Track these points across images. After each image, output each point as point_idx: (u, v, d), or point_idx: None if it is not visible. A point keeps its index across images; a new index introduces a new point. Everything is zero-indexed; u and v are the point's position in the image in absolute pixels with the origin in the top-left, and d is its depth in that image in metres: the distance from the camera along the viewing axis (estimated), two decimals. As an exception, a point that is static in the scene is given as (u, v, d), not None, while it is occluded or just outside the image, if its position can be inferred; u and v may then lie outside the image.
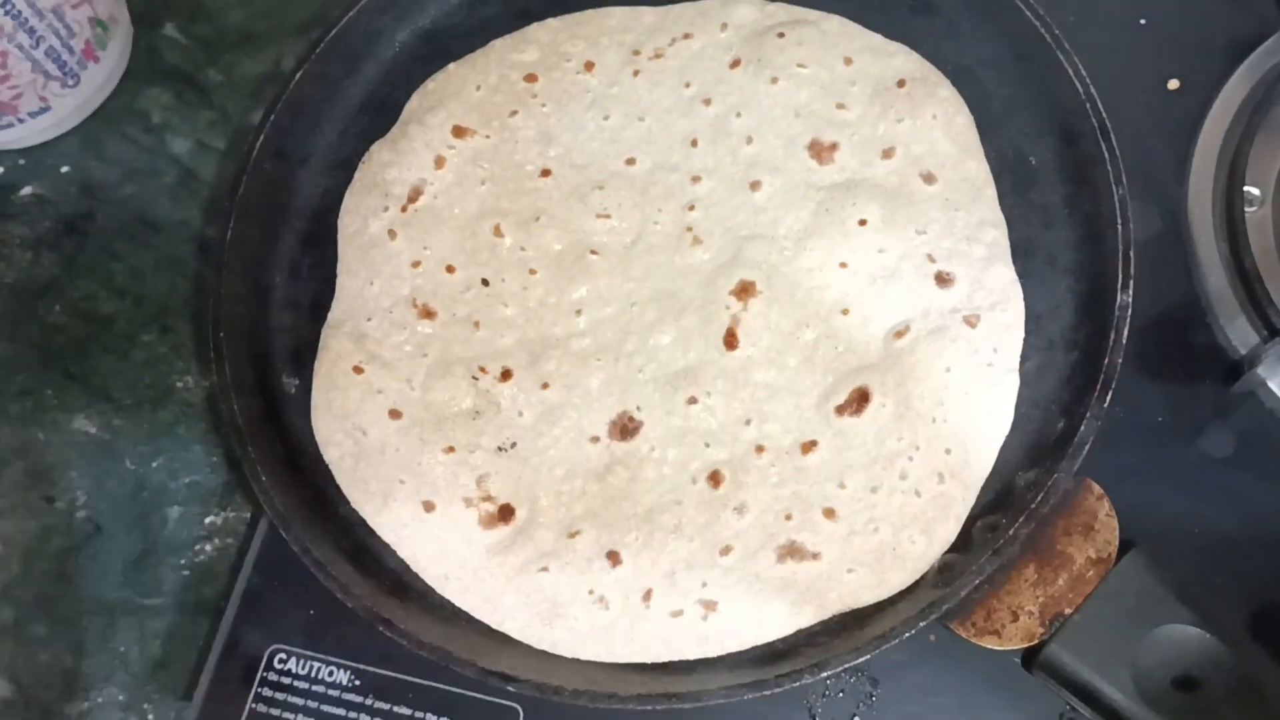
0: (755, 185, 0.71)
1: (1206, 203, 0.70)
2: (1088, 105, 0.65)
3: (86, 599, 0.72)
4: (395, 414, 0.68)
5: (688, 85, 0.74)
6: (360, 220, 0.73)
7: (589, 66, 0.76)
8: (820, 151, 0.71)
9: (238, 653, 0.67)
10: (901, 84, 0.71)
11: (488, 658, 0.60)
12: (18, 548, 0.74)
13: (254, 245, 0.71)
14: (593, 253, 0.71)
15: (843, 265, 0.68)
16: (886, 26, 0.74)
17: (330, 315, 0.71)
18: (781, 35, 0.73)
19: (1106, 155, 0.64)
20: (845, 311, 0.68)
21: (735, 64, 0.74)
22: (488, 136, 0.75)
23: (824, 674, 0.57)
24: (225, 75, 0.85)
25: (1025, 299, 0.67)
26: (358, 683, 0.65)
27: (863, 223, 0.68)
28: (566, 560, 0.64)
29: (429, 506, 0.66)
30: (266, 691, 0.66)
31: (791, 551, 0.63)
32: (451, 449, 0.67)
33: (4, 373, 0.78)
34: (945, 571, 0.60)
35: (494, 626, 0.64)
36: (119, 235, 0.81)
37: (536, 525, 0.66)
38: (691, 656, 0.63)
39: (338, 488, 0.67)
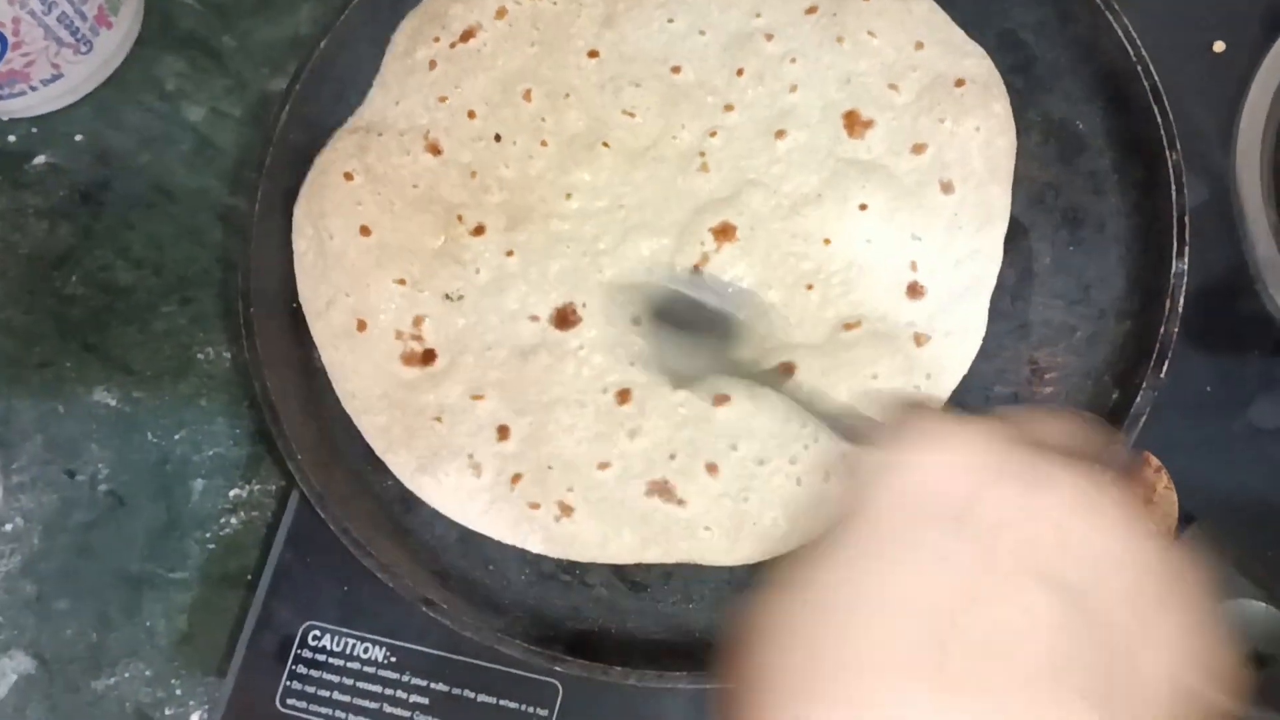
0: (780, 134, 0.70)
1: (1255, 169, 0.68)
2: (1139, 68, 0.64)
3: (110, 573, 0.72)
4: (365, 230, 0.70)
5: (758, 15, 0.73)
6: (410, 42, 0.74)
7: None
8: (854, 124, 0.69)
9: (271, 630, 0.66)
10: (960, 84, 0.69)
11: (530, 636, 0.60)
12: (39, 521, 0.73)
13: (281, 218, 0.70)
14: (605, 145, 0.71)
15: (826, 242, 0.68)
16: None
17: (351, 119, 0.73)
18: None
19: (1160, 120, 0.63)
20: (810, 287, 0.67)
21: (811, 10, 0.72)
22: (555, 3, 0.75)
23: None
24: (240, 41, 0.83)
25: (1076, 267, 0.66)
26: (393, 659, 0.65)
27: (863, 207, 0.67)
28: (461, 419, 0.66)
29: (362, 325, 0.68)
30: (301, 669, 0.65)
31: (662, 489, 0.64)
32: (403, 281, 0.69)
33: (22, 344, 0.77)
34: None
35: (374, 450, 0.66)
36: (136, 204, 0.80)
37: (450, 378, 0.67)
38: (533, 550, 0.64)
39: (373, 465, 0.67)
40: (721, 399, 0.65)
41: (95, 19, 0.78)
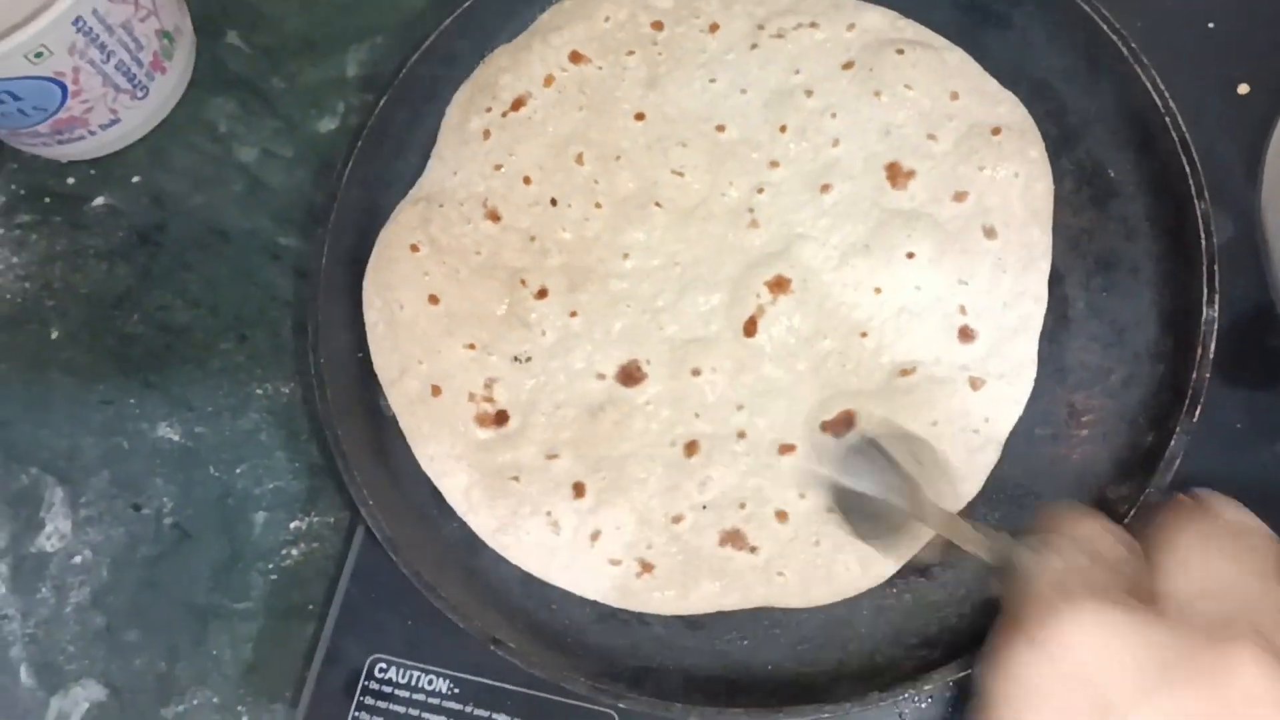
0: (826, 188, 0.72)
1: (1280, 207, 0.71)
2: (1167, 119, 0.66)
3: (177, 604, 0.74)
4: (434, 299, 0.72)
5: (797, 72, 0.75)
6: (464, 113, 0.76)
7: (713, 28, 0.77)
8: (896, 175, 0.72)
9: (339, 663, 0.69)
10: (996, 132, 0.71)
11: (591, 673, 0.63)
12: (107, 554, 0.75)
13: (345, 270, 0.73)
14: (657, 204, 0.73)
15: (877, 290, 0.69)
16: (957, 42, 0.74)
17: (413, 190, 0.75)
18: (901, 52, 0.74)
19: (1188, 169, 0.65)
20: (864, 334, 0.69)
21: (848, 65, 0.75)
22: (600, 68, 0.77)
23: (926, 688, 0.59)
24: (289, 83, 0.85)
25: (1110, 311, 0.68)
26: (457, 690, 0.67)
27: (911, 255, 0.69)
28: (538, 478, 0.68)
29: (436, 391, 0.70)
30: (369, 700, 0.67)
31: (734, 538, 0.66)
32: (473, 346, 0.71)
33: (85, 382, 0.79)
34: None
35: (455, 510, 0.68)
36: (191, 245, 0.82)
37: (523, 438, 0.69)
38: (614, 605, 0.66)
39: (440, 508, 0.69)
40: (786, 448, 0.67)
41: (151, 65, 0.80)
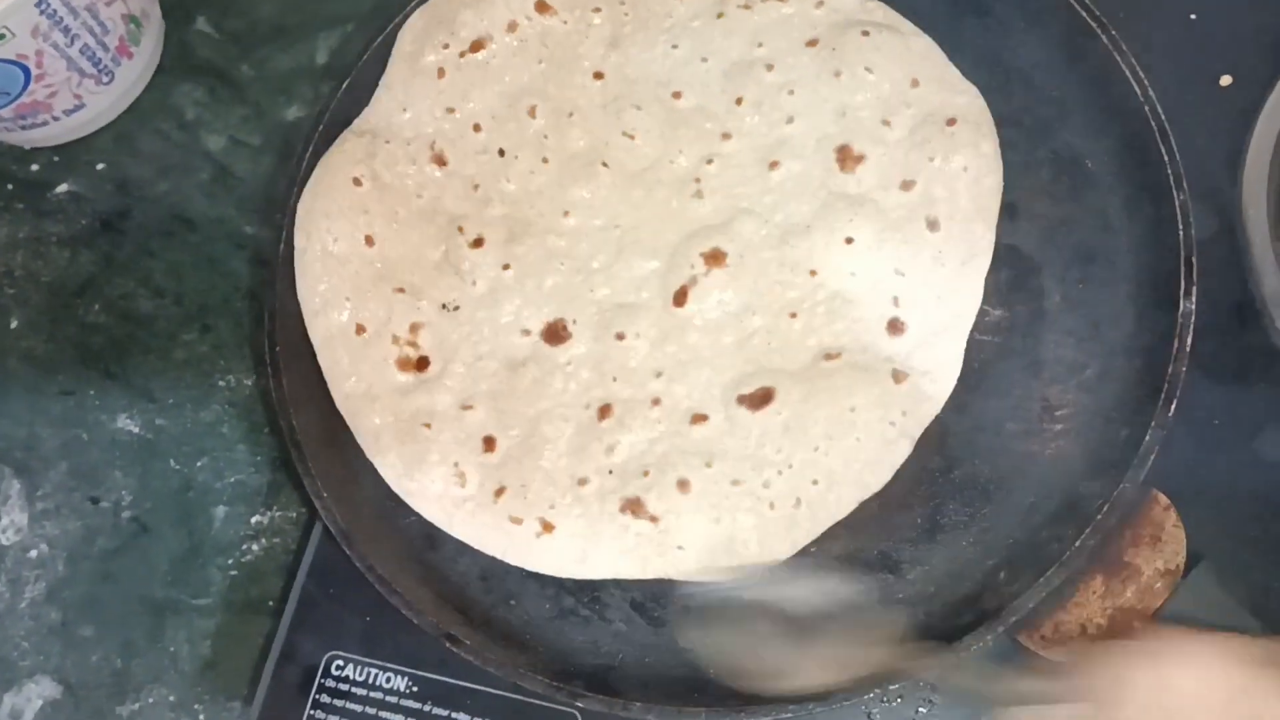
0: (775, 165, 0.71)
1: (1261, 203, 0.68)
2: (1146, 109, 0.65)
3: (134, 599, 0.73)
4: (369, 240, 0.71)
5: (759, 45, 0.74)
6: (418, 45, 0.75)
7: None
8: (847, 158, 0.70)
9: (295, 660, 0.67)
10: (951, 123, 0.70)
11: (550, 670, 0.61)
12: (63, 548, 0.74)
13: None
14: (604, 164, 0.73)
15: (813, 273, 0.68)
16: (936, 28, 0.73)
17: (358, 120, 0.74)
18: (866, 34, 0.72)
19: (1167, 159, 0.64)
20: (794, 315, 0.68)
21: (812, 43, 0.73)
22: (565, 22, 0.76)
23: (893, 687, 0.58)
24: (257, 71, 0.84)
25: (1086, 304, 0.67)
26: (415, 689, 0.66)
27: (850, 240, 0.68)
28: (450, 427, 0.68)
29: (360, 330, 0.69)
30: (324, 698, 0.66)
31: (634, 506, 0.65)
32: (402, 290, 0.70)
33: (44, 373, 0.78)
34: (1011, 583, 0.60)
35: (365, 451, 0.67)
36: (156, 233, 0.80)
37: (441, 385, 0.68)
38: (512, 563, 0.65)
39: (395, 501, 0.68)
40: (699, 418, 0.66)
41: (117, 50, 0.79)
